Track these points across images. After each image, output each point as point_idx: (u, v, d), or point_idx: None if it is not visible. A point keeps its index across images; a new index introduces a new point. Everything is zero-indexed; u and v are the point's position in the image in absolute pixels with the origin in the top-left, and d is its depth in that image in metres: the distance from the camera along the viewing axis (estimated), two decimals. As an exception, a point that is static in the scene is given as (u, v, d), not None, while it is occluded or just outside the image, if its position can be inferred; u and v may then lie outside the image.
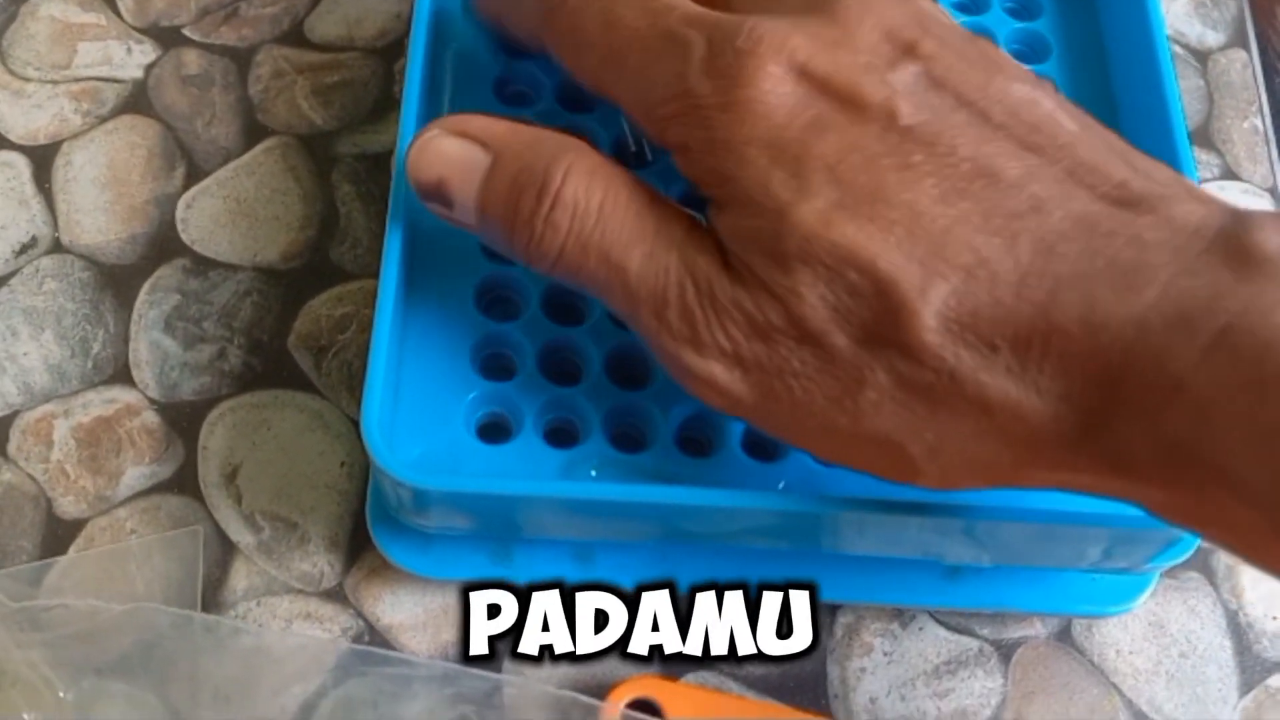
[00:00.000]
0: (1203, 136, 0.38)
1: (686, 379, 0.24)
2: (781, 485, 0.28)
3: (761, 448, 0.28)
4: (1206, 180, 0.38)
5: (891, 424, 0.22)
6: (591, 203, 0.24)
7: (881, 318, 0.22)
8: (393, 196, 0.27)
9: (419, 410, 0.27)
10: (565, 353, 0.29)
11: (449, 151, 0.25)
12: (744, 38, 0.23)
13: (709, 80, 0.23)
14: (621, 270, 0.24)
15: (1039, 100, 0.23)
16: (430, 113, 0.30)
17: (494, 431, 0.28)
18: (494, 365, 0.29)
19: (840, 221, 0.22)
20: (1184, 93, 0.39)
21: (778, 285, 0.22)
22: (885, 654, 0.30)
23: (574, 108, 0.31)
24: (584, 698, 0.28)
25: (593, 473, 0.27)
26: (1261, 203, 0.37)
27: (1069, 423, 0.21)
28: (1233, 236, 0.21)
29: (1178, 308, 0.20)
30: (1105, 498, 0.22)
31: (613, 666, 0.29)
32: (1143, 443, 0.20)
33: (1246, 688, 0.30)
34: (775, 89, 0.23)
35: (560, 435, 0.28)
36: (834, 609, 0.31)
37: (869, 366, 0.22)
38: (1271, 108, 0.39)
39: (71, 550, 0.30)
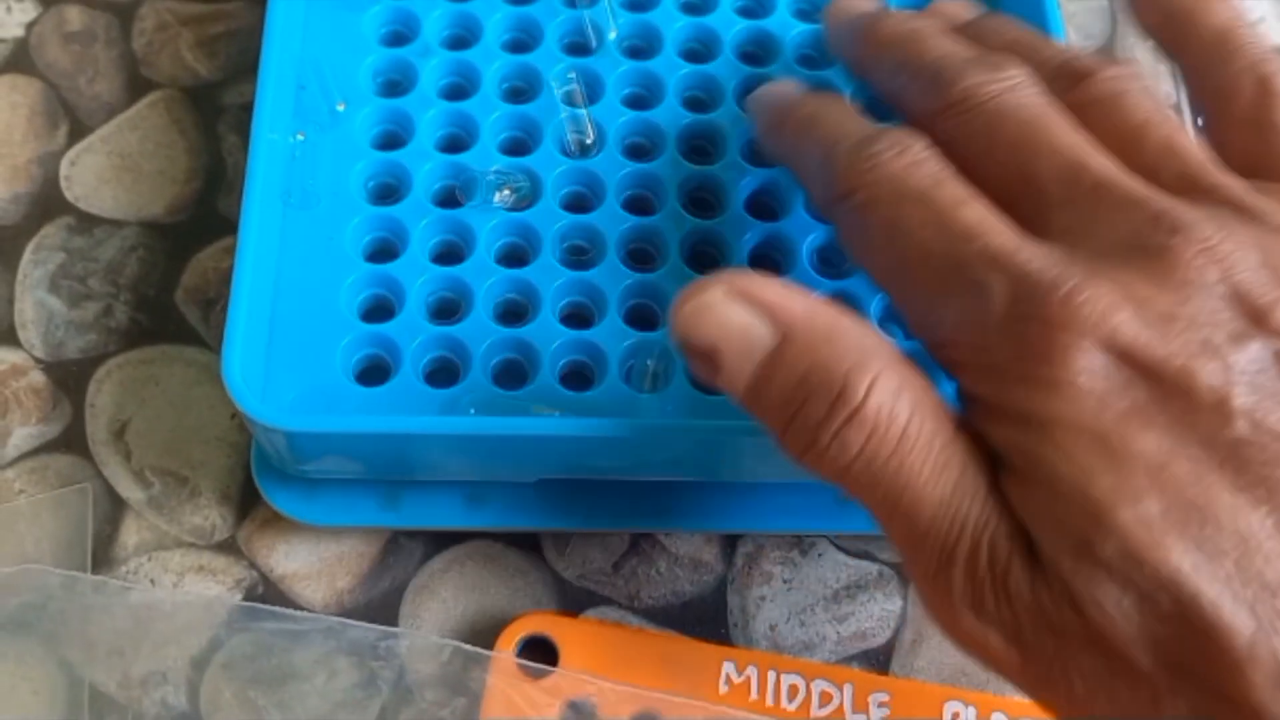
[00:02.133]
0: (1105, 55, 0.38)
1: (957, 634, 0.21)
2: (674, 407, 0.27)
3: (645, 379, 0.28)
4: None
5: None
6: (894, 428, 0.21)
7: (1199, 657, 0.19)
8: (253, 137, 0.27)
9: (294, 355, 0.27)
10: (444, 291, 0.28)
11: (730, 320, 0.22)
12: (1057, 305, 0.20)
13: (1009, 344, 0.21)
14: (913, 512, 0.21)
15: None
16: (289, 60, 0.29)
17: (374, 375, 0.28)
18: (372, 307, 0.28)
19: (1165, 541, 0.19)
20: (1086, 11, 0.39)
21: (1080, 591, 0.19)
22: (785, 581, 0.30)
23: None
24: (470, 647, 0.27)
25: (471, 410, 0.27)
26: (1165, 119, 0.37)
27: None
28: None
29: None
30: None
31: (512, 603, 0.29)
32: None
33: (1147, 600, 0.30)
34: (1090, 372, 0.20)
35: (441, 375, 0.28)
36: (734, 539, 0.31)
37: (1171, 691, 0.19)
38: (1173, 23, 0.39)
39: (-40, 514, 0.30)
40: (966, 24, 0.28)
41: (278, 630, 0.27)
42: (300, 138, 0.29)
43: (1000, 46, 0.26)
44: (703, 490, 0.30)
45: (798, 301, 0.22)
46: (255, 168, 0.27)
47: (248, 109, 0.34)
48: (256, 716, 0.27)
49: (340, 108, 0.30)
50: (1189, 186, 0.22)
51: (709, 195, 0.30)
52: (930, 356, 0.23)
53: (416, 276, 0.28)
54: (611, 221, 0.29)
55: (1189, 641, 0.19)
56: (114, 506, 0.30)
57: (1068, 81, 0.24)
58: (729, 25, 0.32)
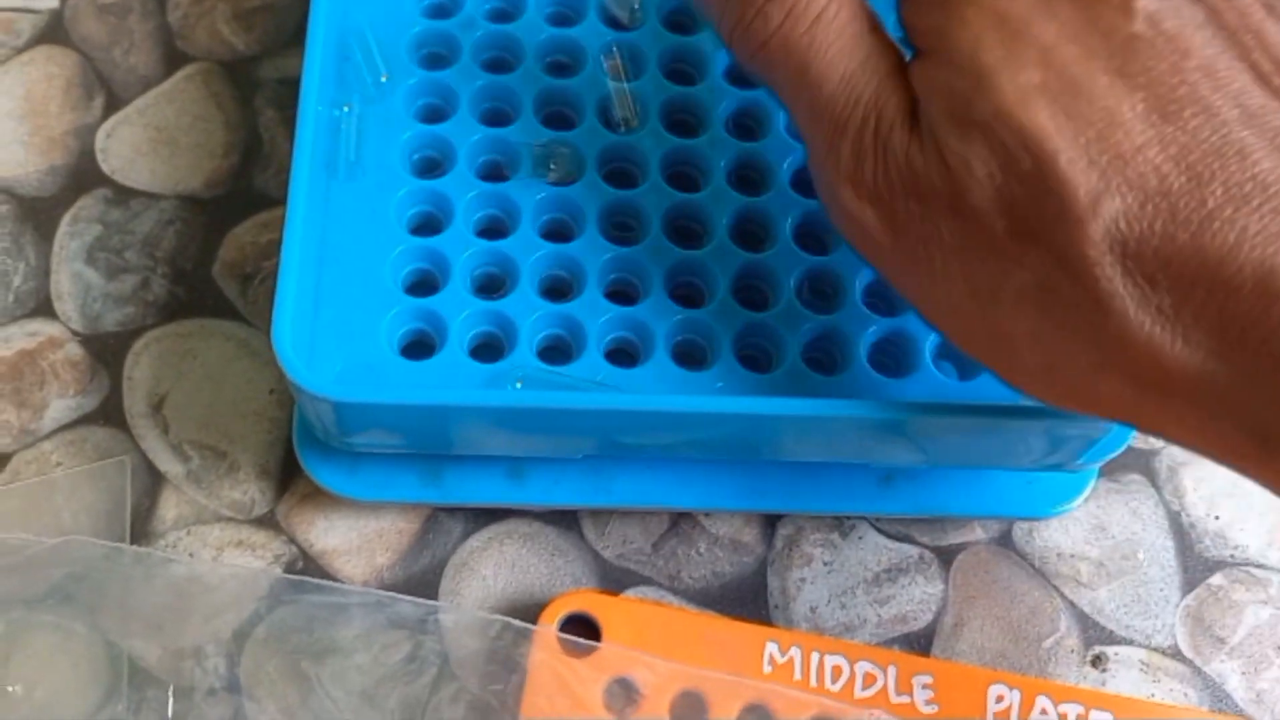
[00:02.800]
0: None
1: (838, 212, 0.23)
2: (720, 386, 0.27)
3: (691, 356, 0.28)
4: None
5: (1019, 326, 0.21)
6: (812, 8, 0.23)
7: (1045, 215, 0.20)
8: (301, 108, 0.27)
9: (339, 328, 0.27)
10: (490, 266, 0.28)
11: None
12: None
13: None
14: (815, 86, 0.23)
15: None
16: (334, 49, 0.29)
17: (418, 349, 0.28)
18: (417, 281, 0.28)
19: (1036, 104, 0.21)
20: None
21: (952, 150, 0.21)
22: (825, 564, 0.30)
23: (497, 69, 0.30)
24: (518, 622, 0.27)
25: (518, 383, 0.26)
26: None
27: (1213, 383, 0.20)
28: None
29: None
30: (1229, 465, 0.21)
31: (551, 581, 0.29)
32: None
33: (1189, 587, 0.30)
34: None
35: (486, 351, 0.28)
36: (774, 520, 0.30)
37: (1016, 260, 0.21)
38: None
39: (-3, 485, 0.30)
40: None
41: (322, 603, 0.27)
42: (346, 110, 0.29)
43: None
44: (745, 469, 0.29)
45: None
46: (303, 139, 0.27)
47: (285, 83, 0.34)
48: (299, 688, 0.27)
49: (384, 79, 0.30)
50: None
51: (753, 173, 0.30)
52: None
53: (461, 250, 0.28)
54: (656, 197, 0.29)
55: (1041, 199, 0.20)
56: (152, 480, 0.30)
57: None
58: None
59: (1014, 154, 0.21)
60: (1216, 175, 0.20)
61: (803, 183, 0.30)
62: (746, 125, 0.30)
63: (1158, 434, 0.22)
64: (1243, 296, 0.19)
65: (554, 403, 0.25)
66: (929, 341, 0.28)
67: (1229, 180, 0.20)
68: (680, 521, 0.30)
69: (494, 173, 0.29)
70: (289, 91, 0.34)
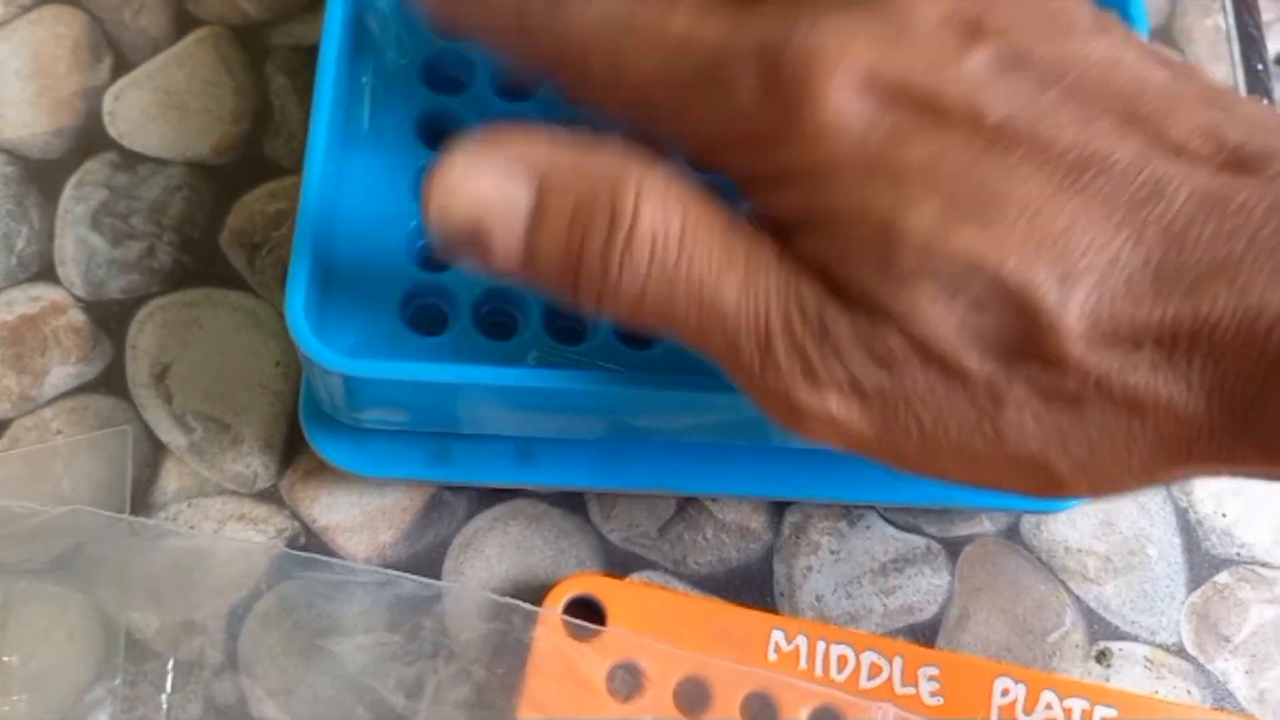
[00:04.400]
0: (1164, 34, 0.37)
1: (798, 420, 0.21)
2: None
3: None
4: (1167, 79, 0.37)
5: (1035, 443, 0.20)
6: (671, 231, 0.21)
7: (1017, 330, 0.20)
8: (319, 78, 0.26)
9: (352, 302, 0.26)
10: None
11: (482, 190, 0.21)
12: (794, 59, 0.20)
13: (766, 112, 0.21)
14: (717, 307, 0.21)
15: (1122, 56, 0.21)
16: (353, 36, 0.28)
17: (431, 325, 0.27)
18: (430, 256, 0.28)
19: (955, 228, 0.20)
20: (1146, -11, 0.39)
21: (895, 305, 0.20)
22: (832, 552, 0.30)
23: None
24: (523, 604, 0.27)
25: (531, 360, 0.26)
26: (1222, 102, 0.37)
27: (1226, 414, 0.20)
28: None
29: None
30: (1274, 479, 0.21)
31: (556, 564, 0.29)
32: None
33: (1195, 584, 0.30)
34: (844, 108, 0.20)
35: (499, 328, 0.27)
36: (781, 508, 0.30)
37: (1005, 384, 0.20)
38: (1234, 5, 0.38)
39: (-4, 451, 0.29)
40: None
41: (325, 580, 0.27)
42: (365, 81, 0.28)
43: None
44: (753, 455, 0.29)
45: (539, 145, 0.21)
46: (320, 108, 0.26)
47: (297, 50, 0.34)
48: (300, 665, 0.26)
49: (398, 51, 0.29)
50: None
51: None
52: (695, 168, 0.22)
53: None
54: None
55: (1006, 317, 0.20)
56: (154, 450, 0.29)
57: None
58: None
59: (959, 285, 0.20)
60: (1146, 224, 0.20)
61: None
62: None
63: (1215, 475, 0.22)
64: (1224, 329, 0.19)
65: (567, 382, 0.25)
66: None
67: (1159, 223, 0.20)
68: (687, 506, 0.30)
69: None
70: (301, 58, 0.34)
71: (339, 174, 0.27)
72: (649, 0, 0.22)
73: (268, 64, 0.34)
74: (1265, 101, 0.26)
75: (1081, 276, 0.19)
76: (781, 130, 0.21)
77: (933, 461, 0.21)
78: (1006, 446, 0.20)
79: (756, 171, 0.22)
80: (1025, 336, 0.20)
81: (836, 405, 0.21)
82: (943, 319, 0.20)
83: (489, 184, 0.21)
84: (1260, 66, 0.38)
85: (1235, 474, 0.21)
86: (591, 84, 0.23)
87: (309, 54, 0.34)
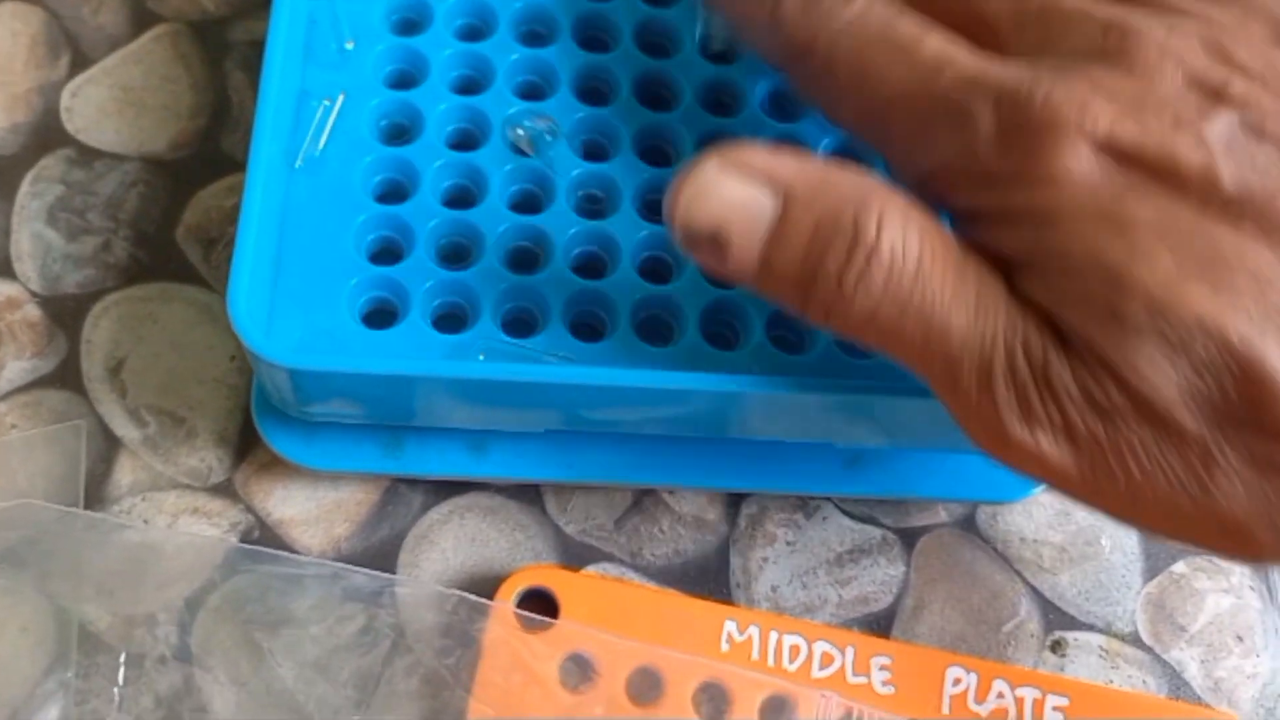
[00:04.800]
0: None
1: (1005, 449, 0.22)
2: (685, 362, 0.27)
3: (657, 332, 0.28)
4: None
5: (1242, 508, 0.20)
6: (910, 256, 0.21)
7: (1239, 398, 0.20)
8: (266, 65, 0.26)
9: (299, 296, 0.26)
10: (455, 236, 0.28)
11: (729, 195, 0.22)
12: (1038, 109, 0.21)
13: (1001, 154, 0.21)
14: (944, 335, 0.21)
15: None
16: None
17: (380, 318, 0.27)
18: (381, 250, 0.28)
19: (1186, 288, 0.20)
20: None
21: (1120, 361, 0.20)
22: (788, 543, 0.30)
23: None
24: (474, 597, 0.27)
25: (480, 355, 0.26)
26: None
27: None
28: None
29: None
30: None
31: (512, 556, 0.29)
32: None
33: (1151, 574, 0.30)
34: (1079, 165, 0.21)
35: (449, 322, 0.27)
36: (738, 499, 0.30)
37: (1220, 447, 0.20)
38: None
39: (-50, 447, 0.29)
40: None
41: (277, 574, 0.27)
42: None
43: None
44: (710, 447, 0.29)
45: (786, 161, 0.22)
46: (266, 104, 0.26)
47: (255, 46, 0.34)
48: (252, 658, 0.26)
49: (349, 46, 0.29)
50: (1123, 1, 0.23)
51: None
52: (918, 193, 0.23)
53: (427, 220, 0.27)
54: (628, 171, 0.28)
55: (1229, 382, 0.20)
56: (108, 445, 0.29)
57: None
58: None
59: (1186, 346, 0.20)
60: None
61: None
62: (721, 100, 0.30)
63: None
64: None
65: (517, 375, 0.25)
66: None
67: None
68: (644, 498, 0.30)
69: (463, 142, 0.29)
70: (259, 54, 0.33)
71: (287, 168, 0.27)
72: (906, 17, 0.23)
73: (226, 60, 0.34)
74: None
75: None
76: (1015, 172, 0.21)
77: (1134, 509, 0.21)
78: (1212, 507, 0.20)
79: (982, 207, 0.22)
80: (1247, 404, 0.20)
81: (1047, 444, 0.21)
82: (1166, 377, 0.20)
83: (737, 189, 0.22)
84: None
85: None
86: (832, 88, 0.24)
87: (267, 49, 0.34)
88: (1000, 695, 0.27)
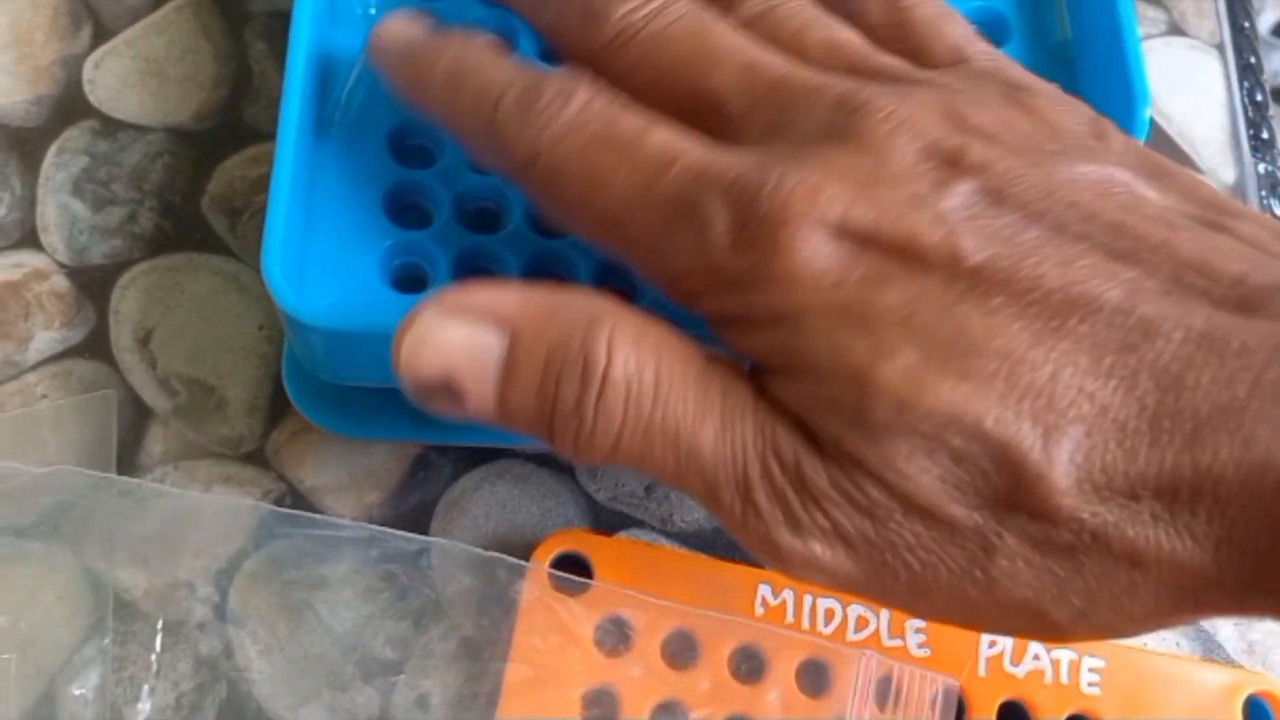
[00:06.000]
0: (1149, -11, 0.37)
1: (782, 562, 0.21)
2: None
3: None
4: (1151, 36, 0.37)
5: (1030, 590, 0.20)
6: (645, 378, 0.20)
7: (1003, 484, 0.19)
8: (293, 32, 0.26)
9: (330, 261, 0.26)
10: (483, 200, 0.28)
11: (451, 341, 0.21)
12: (768, 202, 0.20)
13: (738, 254, 0.20)
14: (694, 454, 0.20)
15: (1111, 182, 0.20)
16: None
17: (411, 284, 0.27)
18: (410, 214, 0.28)
19: (931, 381, 0.19)
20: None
21: (872, 461, 0.19)
22: (820, 508, 0.30)
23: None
24: (510, 559, 0.27)
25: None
26: (1209, 59, 0.37)
27: (1235, 566, 0.19)
28: None
29: None
30: None
31: (543, 523, 0.29)
32: None
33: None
34: (817, 254, 0.20)
35: (480, 285, 0.27)
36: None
37: (995, 533, 0.19)
38: (1219, -41, 0.38)
39: (-19, 417, 0.29)
40: None
41: (313, 538, 0.27)
42: (341, 42, 0.28)
43: None
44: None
45: (509, 295, 0.21)
46: (293, 70, 0.26)
47: (276, 16, 0.34)
48: (289, 621, 0.26)
49: (373, 11, 0.29)
50: (859, 73, 0.22)
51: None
52: (664, 297, 0.22)
53: (456, 184, 0.27)
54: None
55: (990, 471, 0.19)
56: (138, 414, 0.29)
57: (723, 4, 0.24)
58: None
59: (940, 439, 0.19)
60: (1138, 370, 0.19)
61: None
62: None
63: (1228, 617, 0.21)
64: (1228, 482, 0.18)
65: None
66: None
67: (1152, 368, 0.19)
68: (674, 464, 0.30)
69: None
70: (280, 24, 0.34)
71: (316, 134, 0.27)
72: (629, 110, 0.22)
73: (246, 30, 0.34)
74: (1251, 102, 0.26)
75: (1068, 428, 0.19)
76: (753, 273, 0.20)
77: (924, 604, 0.20)
78: (999, 593, 0.20)
79: (726, 310, 0.21)
80: (1011, 490, 0.19)
81: (821, 550, 0.20)
82: (923, 472, 0.19)
83: (459, 335, 0.21)
84: (1247, 25, 0.38)
85: (1258, 616, 0.20)
86: (561, 197, 0.23)
87: (288, 20, 0.33)
88: (1036, 657, 0.27)
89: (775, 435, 0.20)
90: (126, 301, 0.30)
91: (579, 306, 0.21)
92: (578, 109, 0.22)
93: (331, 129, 0.27)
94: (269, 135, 0.32)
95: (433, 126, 0.28)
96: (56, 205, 0.31)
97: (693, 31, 0.23)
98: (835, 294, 0.20)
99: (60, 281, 0.30)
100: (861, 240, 0.20)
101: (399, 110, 0.28)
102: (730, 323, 0.21)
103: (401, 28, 0.25)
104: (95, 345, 0.30)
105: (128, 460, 0.29)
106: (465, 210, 0.27)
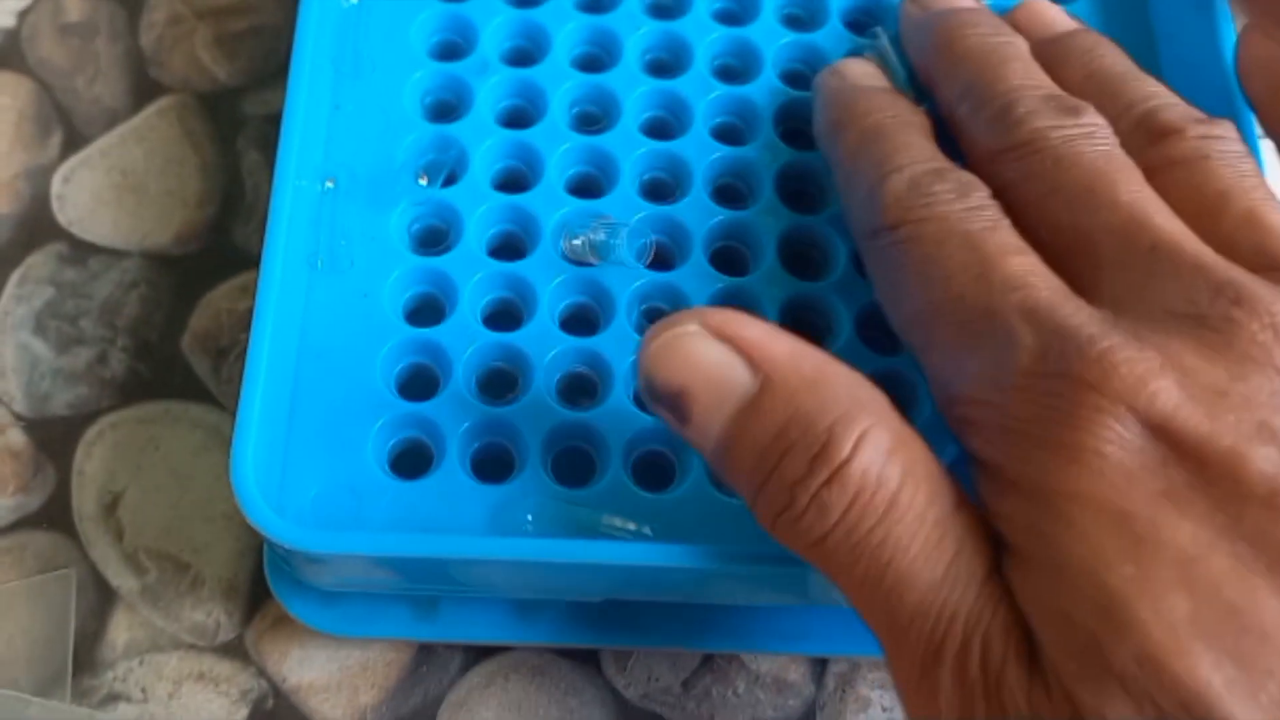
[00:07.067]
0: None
1: None
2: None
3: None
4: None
5: None
6: (882, 493, 0.18)
7: None
8: (278, 168, 0.23)
9: (319, 441, 0.23)
10: (497, 363, 0.24)
11: (703, 357, 0.19)
12: (1091, 361, 0.18)
13: (1032, 402, 0.18)
14: (896, 594, 0.18)
15: None
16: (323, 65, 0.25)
17: (410, 462, 0.23)
18: (412, 380, 0.24)
19: (1192, 648, 0.16)
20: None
21: (1086, 703, 0.17)
22: (885, 709, 0.26)
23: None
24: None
25: (529, 518, 0.22)
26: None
27: None
28: None
29: None
30: None
31: None
32: None
33: None
34: (1120, 439, 0.17)
35: (490, 467, 0.23)
36: (824, 657, 0.26)
37: None
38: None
39: (-78, 598, 0.25)
40: (1054, 39, 0.25)
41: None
42: (330, 185, 0.24)
43: (1083, 76, 0.24)
44: (790, 607, 0.25)
45: (781, 343, 0.20)
46: (278, 217, 0.22)
47: (271, 121, 0.30)
48: None
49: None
50: (1266, 263, 0.20)
51: (812, 250, 0.25)
52: (943, 417, 0.20)
53: (467, 344, 0.24)
54: (699, 281, 0.24)
55: None
56: (101, 597, 0.26)
57: (1147, 137, 0.22)
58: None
59: (1169, 713, 0.16)
60: None
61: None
62: (804, 192, 0.26)
63: None
64: None
65: (572, 555, 0.21)
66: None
67: None
68: (715, 657, 0.26)
69: (507, 248, 0.25)
70: (276, 130, 0.29)
71: (306, 290, 0.23)
72: (1009, 231, 0.21)
73: (239, 138, 0.30)
74: None
75: None
76: (1038, 428, 0.18)
77: None
78: None
79: (993, 459, 0.19)
80: None
81: None
82: None
83: (713, 357, 0.19)
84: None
85: None
86: (897, 273, 0.21)
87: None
88: None
89: (991, 625, 0.18)
90: (92, 460, 0.27)
91: (846, 386, 0.19)
92: (966, 206, 0.21)
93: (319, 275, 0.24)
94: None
95: (439, 273, 0.24)
96: (16, 345, 0.28)
97: (1101, 167, 0.21)
98: (1122, 496, 0.17)
99: (16, 437, 0.27)
100: (1179, 450, 0.17)
101: (401, 254, 0.24)
102: (991, 474, 0.19)
103: (851, 69, 0.26)
104: (55, 513, 0.26)
105: (87, 654, 0.25)
106: (476, 375, 0.24)
